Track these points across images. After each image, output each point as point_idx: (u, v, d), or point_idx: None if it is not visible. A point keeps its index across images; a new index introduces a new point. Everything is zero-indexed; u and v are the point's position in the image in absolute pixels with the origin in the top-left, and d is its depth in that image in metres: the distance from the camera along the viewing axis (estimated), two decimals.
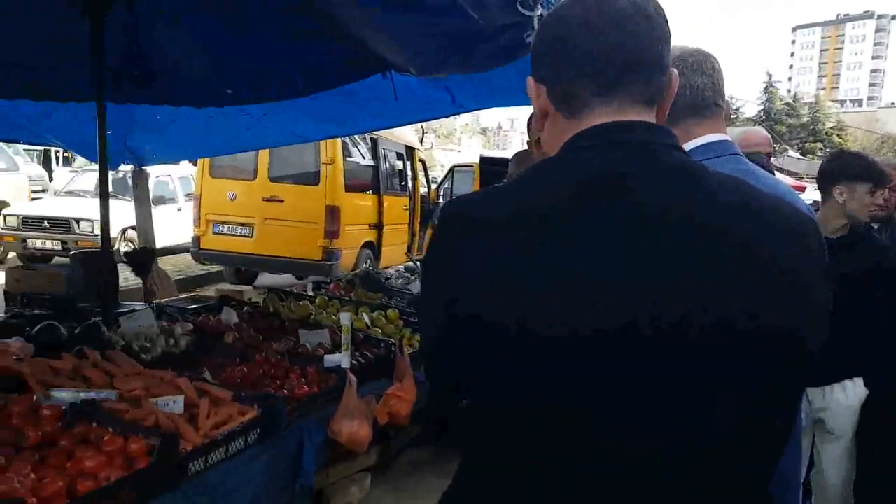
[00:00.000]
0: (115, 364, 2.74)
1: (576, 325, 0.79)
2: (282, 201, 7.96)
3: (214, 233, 8.21)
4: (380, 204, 8.87)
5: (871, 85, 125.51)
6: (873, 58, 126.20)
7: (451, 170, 11.56)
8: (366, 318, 3.86)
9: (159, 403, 2.46)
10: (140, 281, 5.55)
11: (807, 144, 45.90)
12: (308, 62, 3.81)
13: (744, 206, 0.85)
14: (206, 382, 2.71)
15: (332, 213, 7.78)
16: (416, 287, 4.83)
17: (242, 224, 8.11)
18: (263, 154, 7.86)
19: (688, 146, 1.59)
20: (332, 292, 4.44)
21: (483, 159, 12.15)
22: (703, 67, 1.63)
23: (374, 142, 8.85)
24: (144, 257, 3.32)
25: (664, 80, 0.93)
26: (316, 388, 2.89)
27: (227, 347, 3.28)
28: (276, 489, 2.71)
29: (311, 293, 4.61)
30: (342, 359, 3.08)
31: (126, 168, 6.28)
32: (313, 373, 3.04)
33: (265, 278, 9.34)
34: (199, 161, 8.20)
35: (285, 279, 9.18)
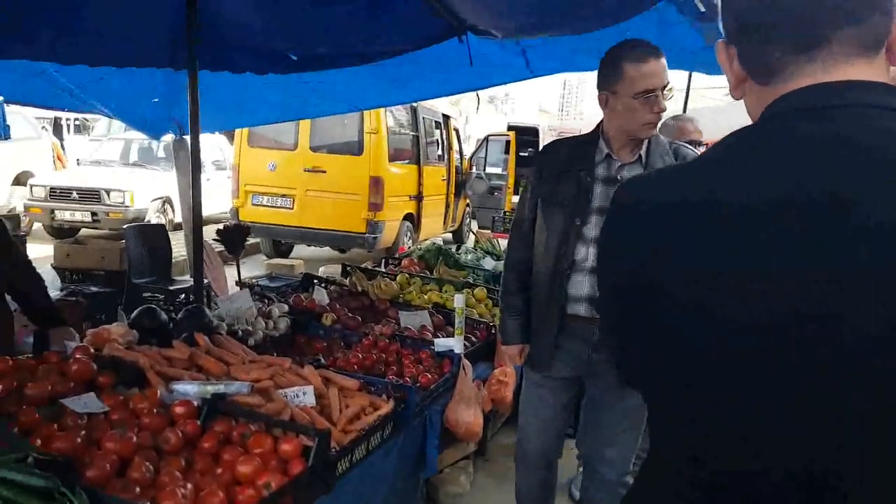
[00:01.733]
0: (227, 350, 2.55)
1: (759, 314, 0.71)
2: (324, 172, 7.69)
3: (253, 204, 7.96)
4: (420, 174, 8.61)
5: None
6: None
7: (486, 139, 11.26)
8: None
9: (288, 395, 2.27)
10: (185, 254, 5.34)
11: None
12: (382, 27, 3.55)
13: None
14: (328, 370, 2.51)
15: (377, 184, 7.53)
16: (487, 263, 4.61)
17: (283, 195, 7.85)
18: (304, 123, 7.58)
19: None
20: (409, 270, 4.23)
21: (514, 129, 11.85)
22: None
23: (414, 110, 8.56)
24: (237, 235, 3.08)
25: (888, 18, 0.74)
26: (437, 376, 2.70)
27: (327, 330, 3.09)
28: (404, 482, 2.55)
29: (383, 269, 4.40)
30: (455, 343, 2.88)
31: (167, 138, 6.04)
32: (426, 358, 2.84)
33: (301, 251, 9.11)
34: (237, 131, 7.92)
35: (324, 252, 8.96)
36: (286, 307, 3.16)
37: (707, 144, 3.92)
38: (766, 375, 0.72)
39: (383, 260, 4.65)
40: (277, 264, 6.16)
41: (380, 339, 2.92)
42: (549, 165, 2.24)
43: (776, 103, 0.79)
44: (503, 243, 6.19)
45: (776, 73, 0.79)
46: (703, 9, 2.12)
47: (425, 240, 8.90)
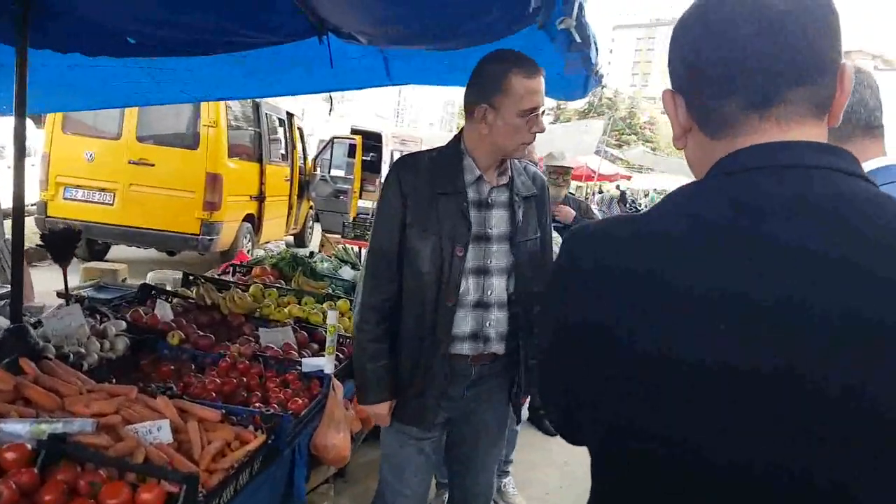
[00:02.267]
0: (60, 379, 2.17)
1: (690, 357, 0.70)
2: (152, 165, 7.00)
3: (66, 198, 7.04)
4: (262, 173, 8.15)
5: None
6: None
7: (331, 141, 10.95)
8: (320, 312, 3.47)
9: (140, 431, 1.98)
10: None
11: (623, 136, 49.74)
12: (235, 17, 3.29)
13: None
14: (183, 400, 2.23)
15: (214, 181, 6.98)
16: (346, 273, 4.45)
17: (102, 189, 7.02)
18: (131, 110, 6.84)
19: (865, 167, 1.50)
20: (262, 280, 3.94)
21: (359, 133, 11.70)
22: (872, 86, 1.54)
23: (257, 105, 8.10)
24: (67, 239, 2.59)
25: (834, 81, 0.76)
26: (307, 399, 2.51)
27: (175, 350, 2.76)
28: None
29: (232, 279, 4.08)
30: (326, 363, 2.70)
31: None
32: (293, 380, 2.64)
33: (120, 252, 8.24)
34: (49, 114, 6.97)
35: (148, 254, 8.18)
36: (123, 324, 2.79)
37: (539, 164, 4.12)
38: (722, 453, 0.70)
39: (232, 268, 4.29)
40: (96, 268, 5.47)
41: (239, 361, 2.67)
42: (415, 186, 1.92)
43: (729, 159, 0.77)
44: (359, 251, 6.04)
45: (728, 127, 0.78)
46: (578, 39, 2.12)
47: (266, 243, 8.46)
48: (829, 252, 0.67)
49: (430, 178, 1.93)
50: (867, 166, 1.49)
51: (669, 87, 0.87)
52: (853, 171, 0.73)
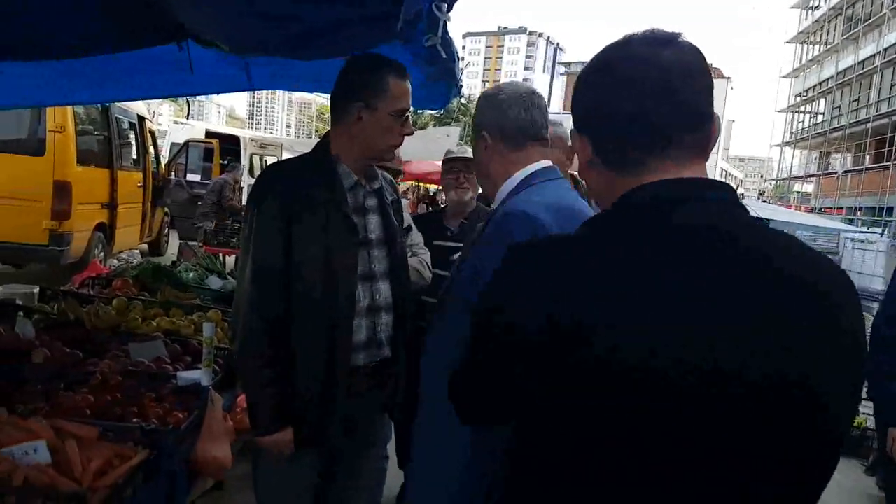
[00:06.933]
0: None
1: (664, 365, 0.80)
2: None
3: None
4: (113, 180, 7.73)
5: None
6: (525, 68, 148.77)
7: (186, 144, 10.51)
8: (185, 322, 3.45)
9: (15, 454, 1.96)
10: None
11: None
12: (85, 23, 3.22)
13: (808, 272, 0.86)
14: (58, 419, 2.20)
15: (63, 189, 6.56)
16: (213, 282, 4.40)
17: None
18: None
19: (525, 171, 1.77)
20: (124, 292, 3.84)
21: (216, 136, 11.33)
22: (542, 106, 1.80)
23: (106, 108, 7.67)
24: None
25: (710, 127, 0.93)
26: (185, 413, 2.54)
27: (40, 369, 2.68)
28: None
29: (92, 292, 3.93)
30: (202, 375, 2.73)
31: None
32: (169, 394, 2.65)
33: None
34: None
35: None
36: None
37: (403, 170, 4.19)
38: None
39: (91, 280, 4.12)
40: None
41: (111, 377, 2.64)
42: (296, 196, 1.89)
43: (638, 192, 0.90)
44: (224, 259, 5.92)
45: (631, 165, 0.92)
46: (444, 55, 2.32)
47: (120, 252, 8.04)
48: (741, 263, 0.83)
49: (308, 186, 1.92)
50: (534, 167, 1.78)
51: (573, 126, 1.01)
52: (737, 200, 0.91)
